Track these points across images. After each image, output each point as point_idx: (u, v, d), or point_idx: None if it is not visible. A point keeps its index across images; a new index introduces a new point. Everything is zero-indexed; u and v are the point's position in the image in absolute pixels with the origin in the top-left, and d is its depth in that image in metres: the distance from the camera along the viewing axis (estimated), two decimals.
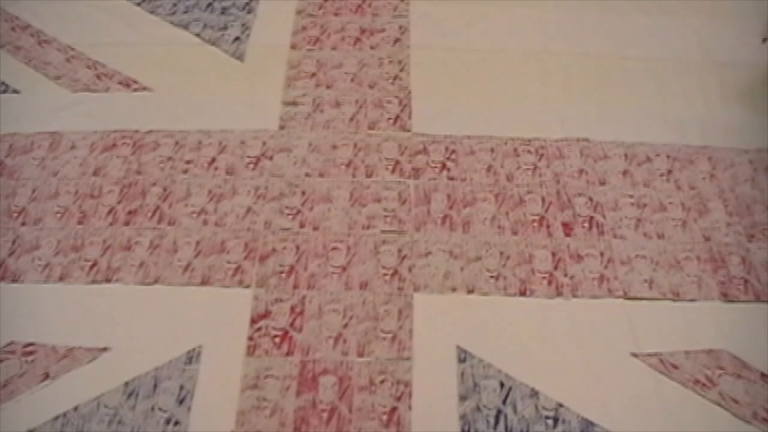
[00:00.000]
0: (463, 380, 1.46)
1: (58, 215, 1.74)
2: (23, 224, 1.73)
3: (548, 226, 1.71)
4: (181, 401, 1.44)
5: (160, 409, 1.43)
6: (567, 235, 1.69)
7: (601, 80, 2.03)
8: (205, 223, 1.72)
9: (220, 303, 1.58)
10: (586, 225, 1.71)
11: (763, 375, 1.47)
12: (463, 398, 1.44)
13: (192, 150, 1.87)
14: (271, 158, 1.85)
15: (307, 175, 1.81)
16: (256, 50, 2.13)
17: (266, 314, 1.56)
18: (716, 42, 2.13)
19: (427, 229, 1.70)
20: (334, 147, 1.87)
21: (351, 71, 2.06)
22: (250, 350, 1.50)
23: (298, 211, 1.74)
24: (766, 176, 1.80)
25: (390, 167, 1.83)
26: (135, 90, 2.02)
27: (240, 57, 2.10)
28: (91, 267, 1.64)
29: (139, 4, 2.26)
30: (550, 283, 1.61)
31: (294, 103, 1.98)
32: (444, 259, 1.65)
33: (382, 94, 2.00)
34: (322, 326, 1.54)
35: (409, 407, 1.42)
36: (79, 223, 1.72)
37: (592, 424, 1.40)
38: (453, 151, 1.86)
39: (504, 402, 1.43)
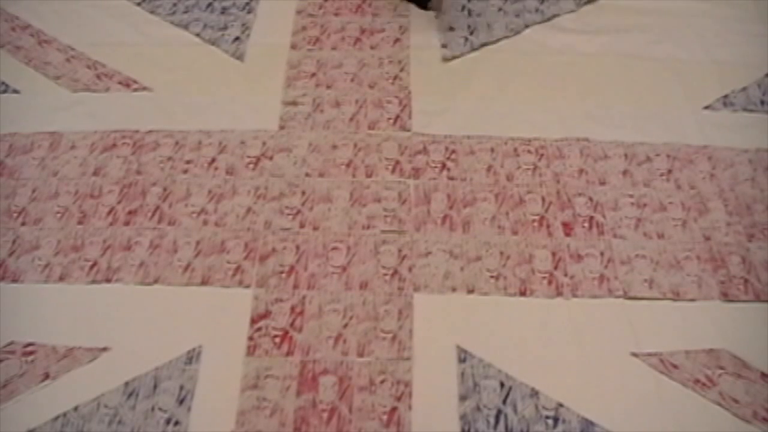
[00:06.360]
0: (463, 380, 1.46)
1: (58, 215, 1.74)
2: (23, 224, 1.73)
3: (548, 226, 1.71)
4: (181, 401, 1.44)
5: (160, 409, 1.43)
6: (567, 234, 1.69)
7: (601, 80, 2.03)
8: (205, 223, 1.72)
9: (220, 303, 1.58)
10: (586, 225, 1.71)
11: (763, 375, 1.47)
12: (463, 398, 1.44)
13: (192, 150, 1.87)
14: (271, 158, 1.85)
15: (307, 175, 1.81)
16: (256, 50, 2.13)
17: (266, 314, 1.56)
18: (716, 42, 2.13)
19: (427, 229, 1.70)
20: (334, 147, 1.87)
21: (351, 71, 2.06)
22: (250, 350, 1.50)
23: (298, 211, 1.74)
24: (766, 176, 1.80)
25: (390, 167, 1.83)
26: (135, 90, 2.02)
27: (240, 57, 2.11)
28: (91, 267, 1.64)
29: (139, 4, 2.26)
30: (550, 283, 1.61)
31: (294, 103, 1.98)
32: (444, 259, 1.65)
33: (382, 94, 2.00)
34: (322, 326, 1.54)
35: (409, 407, 1.42)
36: (79, 223, 1.72)
37: (592, 423, 1.40)
38: (453, 151, 1.86)
39: (504, 402, 1.43)
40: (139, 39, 2.16)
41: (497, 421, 1.41)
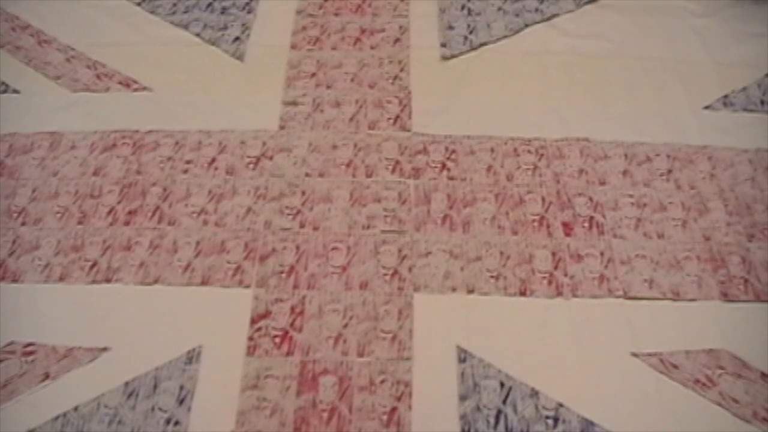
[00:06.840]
0: (463, 380, 1.46)
1: (58, 215, 1.74)
2: (23, 224, 1.73)
3: (548, 226, 1.71)
4: (181, 401, 1.44)
5: (160, 409, 1.43)
6: (567, 234, 1.69)
7: (601, 80, 2.03)
8: (205, 223, 1.72)
9: (220, 303, 1.58)
10: (586, 225, 1.71)
11: (763, 375, 1.47)
12: (463, 398, 1.44)
13: (192, 150, 1.87)
14: (271, 158, 1.85)
15: (307, 175, 1.81)
16: (256, 50, 2.13)
17: (266, 314, 1.56)
18: (716, 42, 2.13)
19: (427, 229, 1.70)
20: (334, 147, 1.87)
21: (351, 71, 2.06)
22: (250, 350, 1.50)
23: (298, 211, 1.74)
24: (766, 176, 1.80)
25: (390, 167, 1.83)
26: (135, 90, 2.02)
27: (240, 57, 2.11)
28: (91, 267, 1.64)
29: (139, 4, 2.26)
30: (550, 283, 1.61)
31: (294, 103, 1.98)
32: (444, 259, 1.65)
33: (382, 94, 2.00)
34: (322, 326, 1.54)
35: (409, 407, 1.42)
36: (79, 223, 1.72)
37: (592, 424, 1.40)
38: (453, 151, 1.86)
39: (504, 402, 1.43)
40: (139, 39, 2.15)
41: (497, 421, 1.41)
